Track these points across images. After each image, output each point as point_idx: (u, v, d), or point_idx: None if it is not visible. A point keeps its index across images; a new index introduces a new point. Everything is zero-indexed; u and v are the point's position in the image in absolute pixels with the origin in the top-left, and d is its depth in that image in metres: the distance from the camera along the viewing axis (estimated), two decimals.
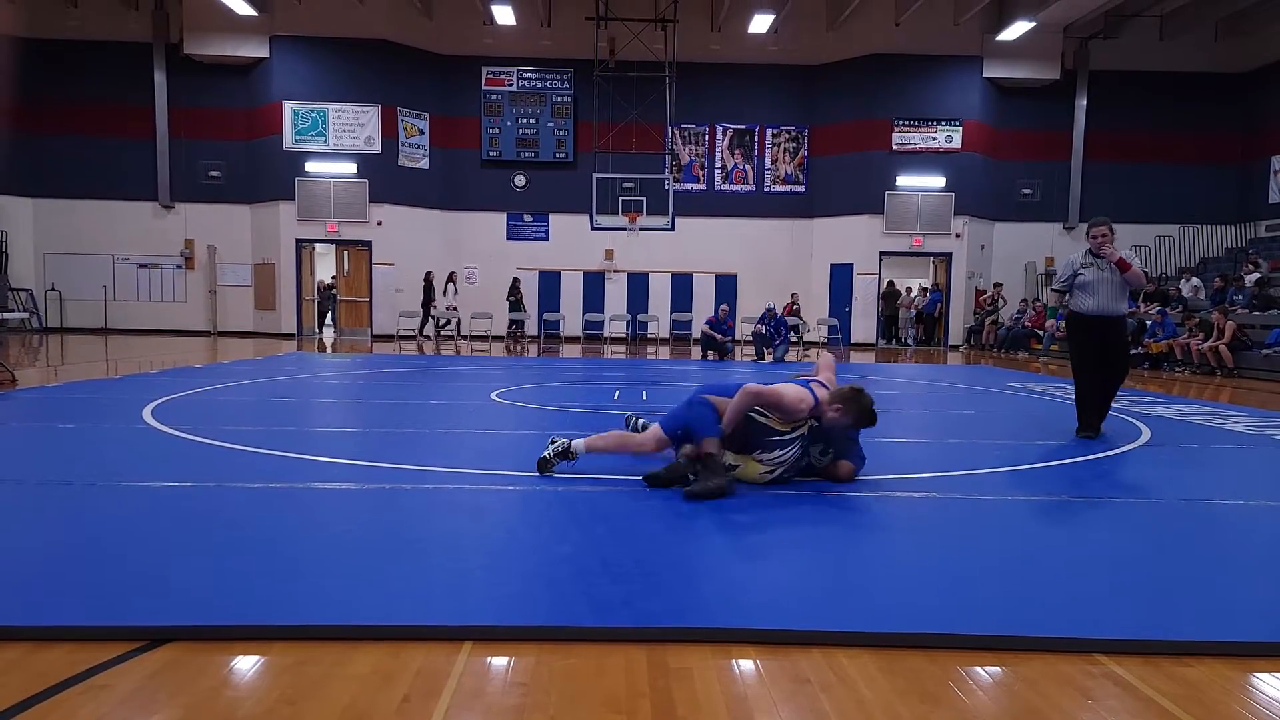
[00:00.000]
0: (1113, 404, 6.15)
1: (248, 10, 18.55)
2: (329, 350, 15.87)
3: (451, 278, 20.11)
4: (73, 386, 8.09)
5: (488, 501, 3.80)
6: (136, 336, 18.81)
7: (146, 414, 6.22)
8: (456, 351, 16.04)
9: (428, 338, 19.55)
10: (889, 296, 21.91)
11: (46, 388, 8.04)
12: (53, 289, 20.34)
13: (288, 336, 19.85)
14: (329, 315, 22.82)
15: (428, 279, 19.51)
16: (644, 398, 8.27)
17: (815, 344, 20.11)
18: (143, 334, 19.67)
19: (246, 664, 2.11)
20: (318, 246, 21.08)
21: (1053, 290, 6.35)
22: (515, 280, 20.32)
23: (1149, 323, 14.93)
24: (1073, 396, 6.16)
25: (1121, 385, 6.16)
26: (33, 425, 5.81)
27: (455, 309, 19.95)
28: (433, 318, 19.54)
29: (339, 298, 21.20)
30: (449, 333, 20.04)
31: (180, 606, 2.38)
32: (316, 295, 21.80)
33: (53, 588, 2.54)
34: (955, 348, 20.66)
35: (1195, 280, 17.17)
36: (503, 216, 21.19)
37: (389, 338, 19.83)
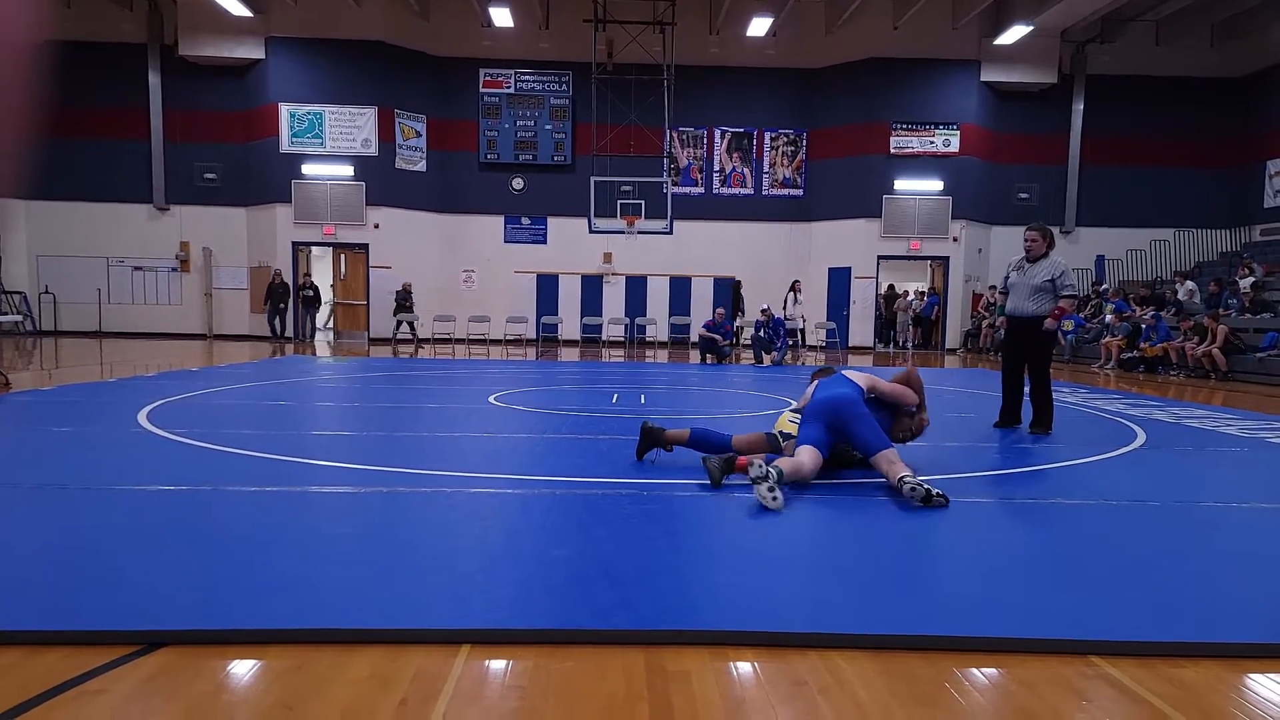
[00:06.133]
0: (1099, 406, 6.13)
1: (243, 11, 18.54)
2: (317, 354, 15.85)
3: (794, 286, 19.38)
4: (67, 390, 8.08)
5: (486, 504, 3.79)
6: (131, 340, 18.77)
7: (142, 417, 6.22)
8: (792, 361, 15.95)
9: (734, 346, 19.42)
10: (890, 299, 21.94)
11: (41, 391, 8.02)
12: (46, 292, 20.30)
13: (285, 339, 19.81)
14: (310, 319, 20.38)
15: (736, 288, 19.51)
16: (642, 401, 8.28)
17: (815, 347, 20.14)
18: (138, 337, 19.62)
19: (243, 668, 2.11)
20: (314, 249, 21.08)
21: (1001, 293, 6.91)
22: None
23: (1144, 326, 14.98)
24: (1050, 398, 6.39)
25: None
26: (27, 429, 5.80)
27: (803, 318, 19.70)
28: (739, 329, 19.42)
29: (335, 300, 20.90)
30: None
31: (177, 610, 2.37)
32: (294, 297, 19.97)
33: (48, 592, 2.54)
34: (952, 351, 20.69)
35: (1190, 284, 17.20)
36: (500, 219, 21.18)
37: (385, 341, 19.82)
